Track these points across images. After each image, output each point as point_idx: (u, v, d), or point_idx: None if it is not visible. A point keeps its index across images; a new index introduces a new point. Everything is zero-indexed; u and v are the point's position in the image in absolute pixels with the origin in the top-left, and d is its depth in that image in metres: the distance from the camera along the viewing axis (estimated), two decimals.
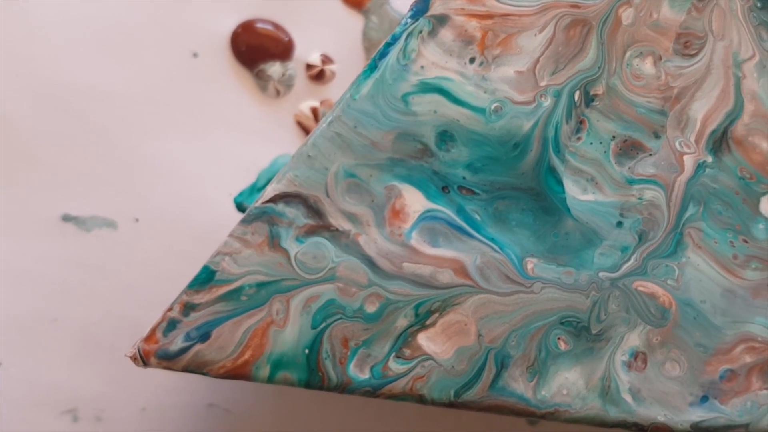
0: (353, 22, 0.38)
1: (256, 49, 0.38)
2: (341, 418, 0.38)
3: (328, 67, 0.37)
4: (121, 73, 0.37)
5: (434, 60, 0.28)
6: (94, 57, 0.37)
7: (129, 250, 0.37)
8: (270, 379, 0.26)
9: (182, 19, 0.38)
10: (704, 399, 0.28)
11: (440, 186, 0.28)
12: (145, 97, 0.37)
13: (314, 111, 0.37)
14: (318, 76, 0.37)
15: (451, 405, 0.27)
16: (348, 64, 0.38)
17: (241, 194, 0.37)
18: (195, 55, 0.38)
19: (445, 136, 0.28)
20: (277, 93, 0.38)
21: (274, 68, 0.38)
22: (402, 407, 0.38)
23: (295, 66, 0.38)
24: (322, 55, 0.38)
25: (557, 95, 0.28)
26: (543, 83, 0.28)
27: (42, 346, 0.36)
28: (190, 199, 0.37)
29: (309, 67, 0.38)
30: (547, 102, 0.28)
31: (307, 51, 0.38)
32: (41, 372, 0.36)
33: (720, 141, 0.29)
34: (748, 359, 0.28)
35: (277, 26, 0.38)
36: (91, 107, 0.37)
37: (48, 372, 0.36)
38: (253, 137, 0.38)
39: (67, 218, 0.37)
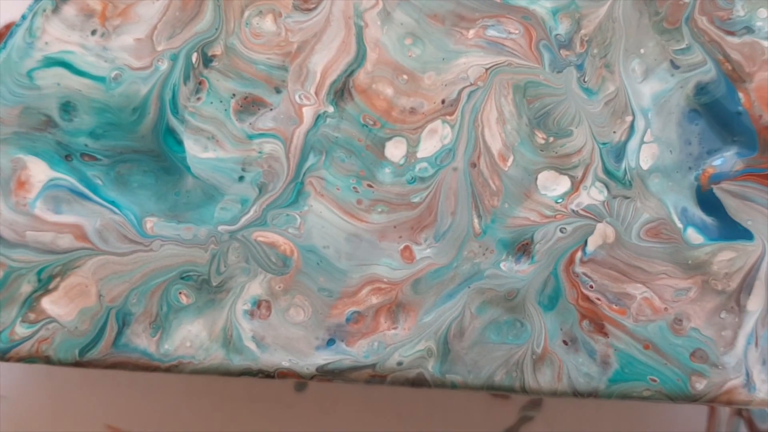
0: None
1: None
2: (111, 398, 0.39)
3: None
4: None
5: (58, 35, 0.29)
6: None
7: None
8: None
9: None
10: (331, 342, 0.28)
11: (63, 155, 0.29)
12: None
13: None
14: None
15: (77, 364, 0.28)
16: None
17: None
18: None
19: (68, 107, 0.29)
20: None
21: None
22: (183, 386, 0.39)
23: None
24: None
25: (174, 58, 0.29)
26: (160, 48, 0.29)
27: None
28: None
29: None
30: (164, 66, 0.29)
31: None
32: None
33: (341, 91, 0.29)
34: (374, 300, 0.29)
35: None
36: None
37: None
38: None
39: None
